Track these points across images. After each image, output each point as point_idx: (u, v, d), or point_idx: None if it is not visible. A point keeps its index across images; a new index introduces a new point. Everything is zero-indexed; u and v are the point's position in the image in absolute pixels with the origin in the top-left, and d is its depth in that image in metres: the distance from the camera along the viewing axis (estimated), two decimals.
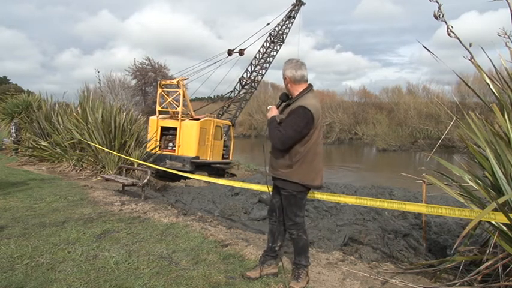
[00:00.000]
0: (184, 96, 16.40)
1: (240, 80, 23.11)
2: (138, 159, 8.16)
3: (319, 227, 5.60)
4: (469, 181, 3.25)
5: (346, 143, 46.25)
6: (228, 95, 23.55)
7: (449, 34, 3.10)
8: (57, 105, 12.15)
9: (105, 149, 8.39)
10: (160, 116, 16.59)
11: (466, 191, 3.28)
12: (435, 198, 7.59)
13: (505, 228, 2.82)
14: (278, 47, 23.82)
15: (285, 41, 23.95)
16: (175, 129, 16.01)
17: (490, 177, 3.05)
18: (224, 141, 18.10)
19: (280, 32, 23.71)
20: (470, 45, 3.08)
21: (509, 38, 3.05)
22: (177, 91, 16.46)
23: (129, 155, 8.37)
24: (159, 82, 17.43)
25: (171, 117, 16.43)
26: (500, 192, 2.92)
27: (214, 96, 44.21)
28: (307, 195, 3.03)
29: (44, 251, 3.40)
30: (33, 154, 10.26)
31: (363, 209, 6.51)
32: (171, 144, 16.24)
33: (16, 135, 12.55)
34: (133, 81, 40.78)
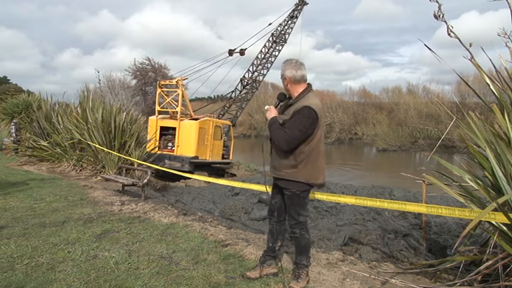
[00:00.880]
0: (183, 96, 16.41)
1: (241, 80, 23.11)
2: (138, 159, 8.16)
3: (319, 227, 5.60)
4: (469, 181, 3.25)
5: (346, 143, 46.24)
6: (229, 95, 23.55)
7: (449, 34, 3.10)
8: (57, 105, 12.15)
9: (105, 149, 8.39)
10: (160, 116, 16.60)
11: (466, 191, 3.28)
12: (435, 198, 7.59)
13: (505, 228, 2.82)
14: (280, 47, 23.84)
15: (287, 41, 23.99)
16: (174, 129, 16.02)
17: (490, 177, 3.05)
18: (224, 141, 18.10)
19: (283, 32, 23.73)
20: (470, 45, 3.08)
21: (509, 38, 3.04)
22: (176, 91, 16.47)
23: (129, 155, 8.37)
24: (158, 82, 17.43)
25: (170, 117, 16.44)
26: (500, 192, 2.92)
27: (214, 96, 44.27)
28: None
29: (44, 251, 3.40)
30: (33, 154, 10.26)
31: (363, 209, 6.51)
32: (170, 144, 16.25)
33: (16, 135, 12.56)
34: (133, 81, 40.81)
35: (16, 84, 45.40)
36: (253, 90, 23.77)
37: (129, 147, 8.62)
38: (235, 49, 22.47)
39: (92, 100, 9.89)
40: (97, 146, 8.49)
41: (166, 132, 16.40)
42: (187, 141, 15.73)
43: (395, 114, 42.59)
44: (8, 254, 3.25)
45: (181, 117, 16.10)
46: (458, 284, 2.92)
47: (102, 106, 9.34)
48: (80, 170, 8.82)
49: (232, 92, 23.21)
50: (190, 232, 4.24)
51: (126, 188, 6.60)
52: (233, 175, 17.25)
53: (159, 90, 16.77)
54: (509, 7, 2.94)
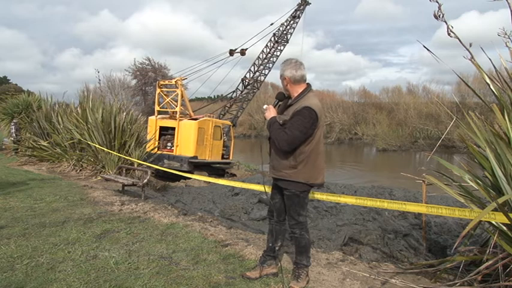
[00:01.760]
0: (182, 96, 16.41)
1: (242, 80, 23.11)
2: (138, 159, 8.16)
3: (319, 227, 5.60)
4: (469, 181, 3.25)
5: (346, 143, 46.24)
6: (230, 95, 23.57)
7: (449, 34, 3.10)
8: (57, 105, 12.15)
9: (105, 149, 8.39)
10: (159, 116, 16.61)
11: (466, 191, 3.28)
12: (435, 198, 7.59)
13: (505, 228, 2.82)
14: (282, 47, 23.86)
15: (289, 41, 24.00)
16: (173, 129, 16.03)
17: (490, 177, 3.05)
18: (224, 141, 18.09)
19: (285, 32, 23.74)
20: (470, 45, 3.07)
21: (509, 38, 3.04)
22: (176, 91, 16.49)
23: (129, 155, 8.37)
24: (157, 82, 17.45)
25: (170, 117, 16.45)
26: (500, 192, 2.92)
27: (215, 96, 44.27)
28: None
29: (44, 251, 3.39)
30: (33, 154, 10.26)
31: (363, 209, 6.50)
32: (169, 144, 16.27)
33: (16, 135, 12.56)
34: (134, 81, 40.78)
35: (16, 84, 45.46)
36: (255, 90, 23.76)
37: (129, 147, 8.61)
38: (236, 49, 22.47)
39: (92, 100, 9.89)
40: (97, 146, 8.48)
41: (166, 132, 16.41)
42: (186, 141, 15.74)
43: (395, 114, 42.60)
44: (8, 254, 3.25)
45: (181, 117, 16.11)
46: (458, 284, 2.92)
47: (102, 106, 9.33)
48: (80, 170, 8.82)
49: (234, 92, 23.21)
50: (190, 232, 4.24)
51: (126, 188, 6.59)
52: (233, 175, 17.24)
53: (158, 90, 16.78)
54: (509, 7, 2.94)
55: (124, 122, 8.90)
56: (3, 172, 8.19)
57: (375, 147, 39.52)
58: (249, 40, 22.75)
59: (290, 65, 2.85)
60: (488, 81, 3.15)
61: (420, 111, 39.73)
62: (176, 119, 15.98)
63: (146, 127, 13.37)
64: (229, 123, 19.82)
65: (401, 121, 41.00)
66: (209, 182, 10.46)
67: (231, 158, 18.68)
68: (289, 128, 2.71)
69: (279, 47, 23.75)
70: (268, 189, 3.13)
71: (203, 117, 16.79)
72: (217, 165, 17.32)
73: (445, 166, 3.56)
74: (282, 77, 2.88)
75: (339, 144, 45.65)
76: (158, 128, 16.02)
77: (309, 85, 2.90)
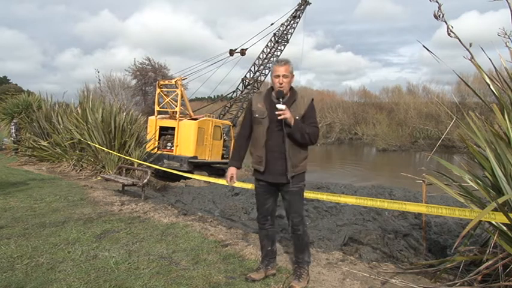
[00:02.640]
0: (182, 96, 16.42)
1: (242, 80, 23.15)
2: (138, 159, 8.15)
3: (319, 227, 5.60)
4: (469, 181, 3.24)
5: (346, 143, 46.24)
6: (230, 95, 23.62)
7: (449, 34, 3.10)
8: (57, 105, 12.16)
9: (105, 149, 8.39)
10: (159, 115, 16.61)
11: (466, 191, 3.28)
12: (435, 198, 7.59)
13: (505, 228, 2.81)
14: (282, 47, 23.91)
15: (289, 41, 24.03)
16: (173, 129, 16.04)
17: (490, 177, 3.05)
18: (224, 141, 18.10)
19: (285, 32, 23.80)
20: (470, 45, 3.07)
21: (509, 38, 3.04)
22: (176, 91, 16.50)
23: (129, 155, 8.37)
24: (157, 82, 17.47)
25: (170, 117, 16.46)
26: (500, 192, 2.92)
27: (215, 96, 44.26)
28: (304, 194, 3.08)
29: (44, 251, 3.40)
30: (33, 154, 10.27)
31: (363, 209, 6.50)
32: (169, 144, 16.28)
33: (16, 135, 12.57)
34: (133, 81, 40.71)
35: (16, 84, 45.48)
36: (255, 90, 23.77)
37: (129, 147, 8.61)
38: (236, 49, 22.51)
39: (92, 100, 9.89)
40: (97, 146, 8.48)
41: (166, 132, 16.42)
42: (186, 141, 15.74)
43: (395, 114, 42.59)
44: (8, 254, 3.25)
45: (181, 117, 16.11)
46: (458, 284, 2.92)
47: (102, 106, 9.33)
48: (80, 170, 8.83)
49: (234, 92, 23.26)
50: (190, 232, 4.24)
51: (126, 188, 6.59)
52: None
53: (158, 90, 16.80)
54: (509, 7, 2.94)
55: (124, 122, 8.90)
56: (3, 172, 8.19)
57: (374, 147, 39.51)
58: (249, 40, 22.82)
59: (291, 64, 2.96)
60: (488, 81, 3.15)
61: (420, 111, 39.74)
62: (176, 119, 15.99)
63: (146, 127, 13.37)
64: (229, 123, 19.83)
65: (401, 121, 41.00)
66: (209, 182, 10.46)
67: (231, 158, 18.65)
68: (315, 123, 2.88)
69: (279, 47, 23.79)
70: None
71: (203, 117, 16.80)
72: (217, 165, 17.32)
73: (445, 166, 3.55)
74: (291, 74, 2.91)
75: (339, 144, 45.64)
76: (158, 128, 16.03)
77: None
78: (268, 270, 3.05)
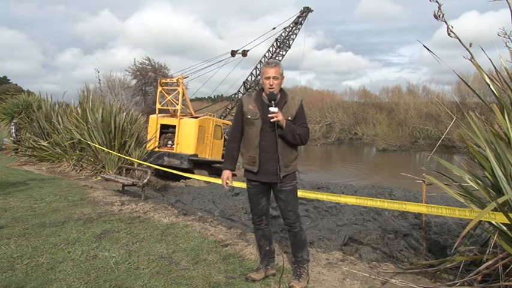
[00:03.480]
0: (183, 95, 16.45)
1: (244, 83, 23.30)
2: (138, 159, 8.15)
3: (319, 227, 5.60)
4: (469, 181, 3.24)
5: (346, 143, 46.20)
6: (231, 96, 23.78)
7: (449, 34, 3.10)
8: (57, 105, 12.16)
9: (105, 149, 8.39)
10: (160, 114, 16.64)
11: (466, 191, 3.28)
12: (435, 198, 7.59)
13: (505, 228, 2.81)
14: (284, 52, 24.11)
15: (291, 46, 24.19)
16: (174, 127, 16.07)
17: (490, 177, 3.05)
18: (225, 140, 18.11)
19: (287, 38, 23.96)
20: (470, 45, 3.07)
21: (509, 38, 3.04)
22: (177, 89, 16.52)
23: (129, 155, 8.37)
24: (159, 80, 17.50)
25: (171, 116, 16.50)
26: (500, 192, 2.92)
27: (215, 96, 44.29)
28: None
29: (44, 251, 3.40)
30: (33, 154, 10.27)
31: (363, 209, 6.50)
32: (170, 142, 16.31)
33: (16, 135, 12.57)
34: (134, 81, 40.67)
35: (16, 84, 45.43)
36: None
37: (129, 147, 8.61)
38: (237, 50, 22.60)
39: (92, 100, 9.89)
40: (97, 146, 8.48)
41: (167, 130, 16.46)
42: (187, 139, 15.77)
43: (395, 114, 42.56)
44: (8, 254, 3.25)
45: (182, 115, 16.14)
46: (458, 284, 2.92)
47: (102, 106, 9.33)
48: (80, 170, 8.83)
49: (235, 94, 23.42)
50: (190, 232, 4.24)
51: (126, 188, 6.60)
52: (233, 175, 17.23)
53: (159, 89, 16.84)
54: (509, 7, 2.94)
55: (124, 122, 8.90)
56: (3, 172, 8.20)
57: (374, 147, 39.48)
58: (251, 42, 22.94)
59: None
60: (488, 81, 3.15)
61: (420, 111, 39.71)
62: (177, 117, 16.02)
63: (146, 127, 13.38)
64: (230, 123, 19.85)
65: (401, 121, 40.97)
66: (209, 182, 10.46)
67: None
68: (305, 123, 2.94)
69: (281, 52, 23.98)
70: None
71: (204, 115, 16.83)
72: (218, 164, 17.33)
73: (445, 166, 3.55)
74: (281, 76, 2.91)
75: (339, 144, 45.61)
76: (159, 126, 16.06)
77: None
78: (268, 270, 3.05)
